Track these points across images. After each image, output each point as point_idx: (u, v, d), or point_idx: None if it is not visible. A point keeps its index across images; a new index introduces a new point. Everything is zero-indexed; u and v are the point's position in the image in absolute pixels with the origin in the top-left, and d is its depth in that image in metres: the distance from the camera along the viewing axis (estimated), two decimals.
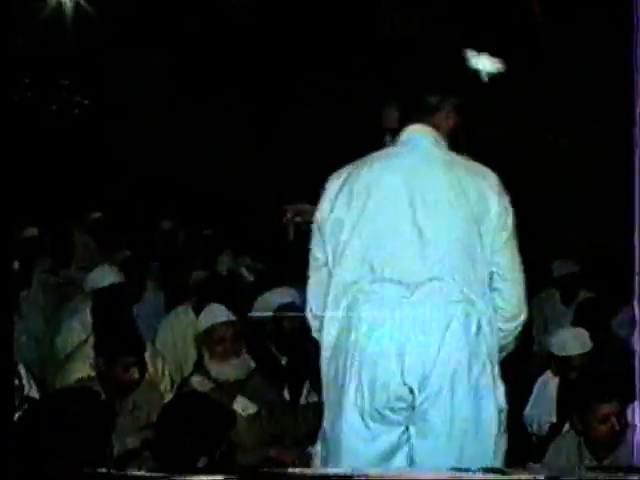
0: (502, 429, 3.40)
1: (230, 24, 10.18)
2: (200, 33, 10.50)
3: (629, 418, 4.30)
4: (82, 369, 5.00)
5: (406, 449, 3.37)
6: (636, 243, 3.31)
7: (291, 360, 5.64)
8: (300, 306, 5.85)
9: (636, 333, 3.84)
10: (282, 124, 10.49)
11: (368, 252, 3.39)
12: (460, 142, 3.60)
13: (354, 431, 3.37)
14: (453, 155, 3.53)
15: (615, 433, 4.30)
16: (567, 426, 4.71)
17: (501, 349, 3.47)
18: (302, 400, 5.34)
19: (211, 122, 10.81)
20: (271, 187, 10.26)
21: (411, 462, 3.35)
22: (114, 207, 9.54)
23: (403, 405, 3.32)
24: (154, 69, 10.98)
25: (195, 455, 3.57)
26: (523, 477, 2.77)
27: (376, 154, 3.60)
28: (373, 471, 3.21)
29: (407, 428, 3.36)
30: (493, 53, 8.65)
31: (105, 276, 6.17)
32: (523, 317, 3.49)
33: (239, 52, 10.44)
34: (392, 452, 3.37)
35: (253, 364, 5.08)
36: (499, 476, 2.71)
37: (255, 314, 5.88)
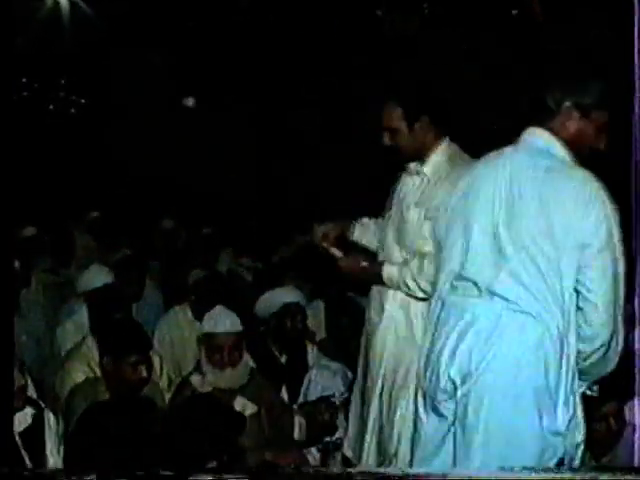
0: (551, 454, 3.27)
1: (230, 24, 10.17)
2: (200, 33, 10.50)
3: (628, 418, 4.30)
4: (80, 369, 5.00)
5: (451, 446, 3.39)
6: (636, 241, 3.30)
7: (290, 359, 5.64)
8: (303, 306, 5.88)
9: (636, 332, 3.83)
10: (282, 124, 10.49)
11: (461, 247, 3.45)
12: (584, 149, 3.43)
13: (416, 413, 3.51)
14: (561, 163, 3.39)
15: (613, 432, 4.30)
16: None
17: (584, 372, 3.36)
18: (300, 399, 5.34)
19: (211, 122, 10.81)
20: (271, 187, 10.27)
21: (454, 460, 3.36)
22: (113, 206, 9.53)
23: (446, 397, 3.37)
24: (154, 69, 10.98)
25: (203, 457, 3.53)
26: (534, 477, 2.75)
27: (498, 150, 3.55)
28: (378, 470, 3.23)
29: (454, 423, 3.39)
30: (492, 52, 8.67)
31: (96, 277, 6.16)
32: (602, 340, 3.31)
33: (239, 52, 10.44)
34: (440, 443, 3.41)
35: (252, 363, 5.05)
36: (500, 475, 2.70)
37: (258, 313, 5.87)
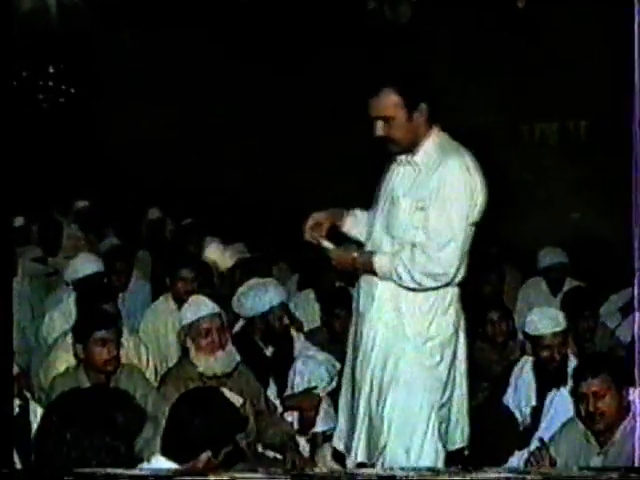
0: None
1: (228, 12, 10.12)
2: (194, 20, 10.42)
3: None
4: (65, 359, 4.96)
5: None
6: (635, 232, 3.29)
7: (277, 351, 5.58)
8: (287, 303, 5.80)
9: (636, 327, 3.82)
10: (270, 111, 10.46)
11: None
12: None
13: None
14: None
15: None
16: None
17: None
18: (288, 391, 5.31)
19: (202, 111, 10.77)
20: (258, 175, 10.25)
21: None
22: (101, 196, 9.48)
23: None
24: (143, 56, 10.91)
25: (200, 450, 3.46)
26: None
27: None
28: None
29: None
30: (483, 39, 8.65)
31: (86, 265, 6.12)
32: None
33: (234, 41, 10.39)
34: None
35: (239, 357, 5.00)
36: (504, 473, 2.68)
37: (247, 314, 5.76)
